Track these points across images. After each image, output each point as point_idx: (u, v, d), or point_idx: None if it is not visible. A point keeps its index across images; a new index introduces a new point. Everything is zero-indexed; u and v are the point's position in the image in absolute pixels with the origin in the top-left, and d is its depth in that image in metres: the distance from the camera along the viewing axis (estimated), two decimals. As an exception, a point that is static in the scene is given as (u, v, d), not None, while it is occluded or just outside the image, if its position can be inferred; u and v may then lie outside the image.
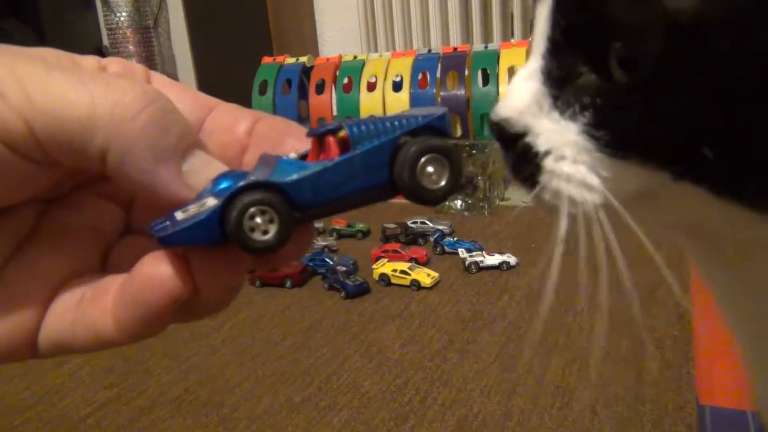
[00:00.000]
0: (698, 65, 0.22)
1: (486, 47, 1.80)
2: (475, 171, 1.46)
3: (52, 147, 0.20)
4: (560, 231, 0.27)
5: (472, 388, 0.81)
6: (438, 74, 1.77)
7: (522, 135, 0.27)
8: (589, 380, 0.79)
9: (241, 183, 0.21)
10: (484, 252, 1.18)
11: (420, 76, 1.78)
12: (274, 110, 1.93)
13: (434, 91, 1.76)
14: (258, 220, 0.21)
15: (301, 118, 1.96)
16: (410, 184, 0.22)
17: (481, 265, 1.15)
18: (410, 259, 1.18)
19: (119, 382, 0.89)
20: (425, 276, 1.11)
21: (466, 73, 1.75)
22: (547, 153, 0.27)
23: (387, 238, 1.32)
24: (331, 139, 0.23)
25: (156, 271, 0.22)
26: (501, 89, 1.66)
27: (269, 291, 1.14)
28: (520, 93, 0.27)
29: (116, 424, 0.80)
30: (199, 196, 0.21)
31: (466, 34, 2.31)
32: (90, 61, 0.25)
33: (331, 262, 1.18)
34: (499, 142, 0.28)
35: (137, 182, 0.21)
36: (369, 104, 1.81)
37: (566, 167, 0.26)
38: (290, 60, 2.00)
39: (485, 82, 1.70)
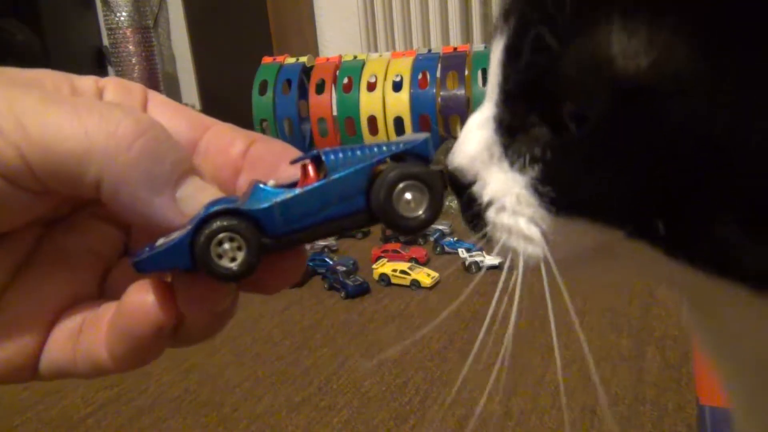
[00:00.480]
0: (644, 129, 0.21)
1: (486, 47, 1.80)
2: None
3: (48, 178, 0.21)
4: (516, 279, 0.27)
5: (472, 388, 0.81)
6: (438, 74, 1.78)
7: (472, 183, 0.27)
8: (589, 380, 0.79)
9: (211, 209, 0.21)
10: (484, 252, 1.18)
11: (420, 76, 1.78)
12: (274, 110, 1.93)
13: (434, 91, 1.76)
14: (226, 246, 0.21)
15: (301, 118, 1.97)
16: (386, 211, 0.22)
17: (481, 265, 1.15)
18: (410, 259, 1.19)
19: (119, 381, 0.89)
20: (425, 276, 1.11)
21: (466, 73, 1.75)
22: (489, 204, 0.26)
23: (387, 238, 1.32)
24: (309, 166, 0.22)
25: (139, 300, 0.22)
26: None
27: (269, 291, 1.14)
28: (472, 140, 0.27)
29: (116, 424, 0.80)
30: (190, 222, 0.21)
31: (466, 34, 2.31)
32: (87, 83, 0.25)
33: (331, 262, 1.18)
34: (452, 189, 0.27)
35: (132, 211, 0.22)
36: (369, 104, 1.81)
37: (506, 219, 0.26)
38: (290, 60, 2.00)
39: (485, 82, 1.70)
